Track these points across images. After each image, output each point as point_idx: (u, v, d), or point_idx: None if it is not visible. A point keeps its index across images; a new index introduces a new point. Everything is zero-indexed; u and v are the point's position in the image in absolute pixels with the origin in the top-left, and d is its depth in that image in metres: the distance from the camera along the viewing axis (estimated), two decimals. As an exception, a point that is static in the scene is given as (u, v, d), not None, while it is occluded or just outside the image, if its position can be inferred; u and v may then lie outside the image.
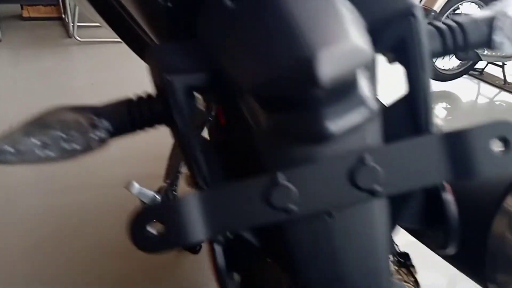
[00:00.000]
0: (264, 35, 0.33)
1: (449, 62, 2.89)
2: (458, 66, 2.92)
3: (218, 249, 0.40)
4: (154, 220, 0.33)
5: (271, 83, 0.32)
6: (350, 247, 0.37)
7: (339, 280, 0.37)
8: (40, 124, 0.37)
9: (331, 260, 0.37)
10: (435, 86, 2.90)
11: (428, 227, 0.46)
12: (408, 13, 0.38)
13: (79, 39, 3.28)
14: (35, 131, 0.36)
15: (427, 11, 2.67)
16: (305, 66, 0.29)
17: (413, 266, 0.75)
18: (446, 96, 2.92)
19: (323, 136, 0.32)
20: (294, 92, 0.32)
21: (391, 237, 0.42)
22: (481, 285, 0.57)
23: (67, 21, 3.53)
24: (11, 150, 0.36)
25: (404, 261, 0.76)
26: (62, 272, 1.32)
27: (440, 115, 2.69)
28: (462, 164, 0.34)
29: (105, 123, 0.38)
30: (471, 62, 2.90)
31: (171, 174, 1.07)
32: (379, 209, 0.37)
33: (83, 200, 1.62)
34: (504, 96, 2.94)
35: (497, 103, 2.94)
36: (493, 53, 2.76)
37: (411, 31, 0.38)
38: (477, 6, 2.81)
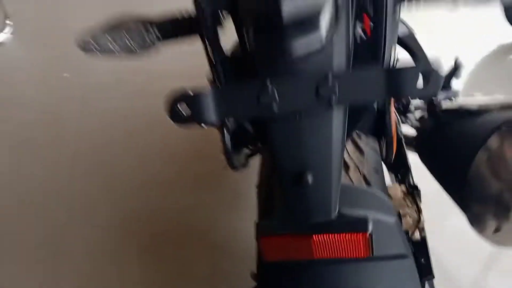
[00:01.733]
0: None
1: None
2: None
3: (226, 132, 0.56)
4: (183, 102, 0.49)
5: (252, 10, 0.45)
6: (311, 143, 0.49)
7: (302, 164, 0.50)
8: (112, 25, 0.55)
9: (297, 149, 0.50)
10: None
11: (377, 137, 0.66)
12: None
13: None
14: (109, 30, 0.54)
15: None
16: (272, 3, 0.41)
17: (419, 197, 0.84)
18: None
19: (287, 53, 0.43)
20: (267, 21, 0.44)
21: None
22: (461, 210, 0.66)
23: None
24: (92, 42, 0.54)
25: (412, 191, 0.85)
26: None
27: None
28: (396, 89, 0.46)
29: (156, 30, 0.55)
30: None
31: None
32: (337, 119, 0.50)
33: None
34: None
35: None
36: None
37: None
38: None
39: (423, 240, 0.74)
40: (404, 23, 0.90)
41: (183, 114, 0.47)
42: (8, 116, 1.79)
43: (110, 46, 0.53)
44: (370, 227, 0.52)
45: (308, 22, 0.42)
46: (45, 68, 2.06)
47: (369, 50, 0.55)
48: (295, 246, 0.55)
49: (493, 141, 0.62)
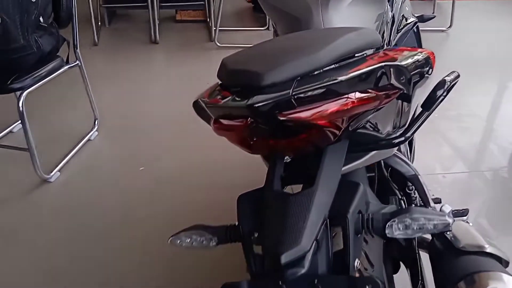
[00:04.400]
0: None
1: None
2: None
3: None
4: None
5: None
6: None
7: None
8: (190, 232, 0.81)
9: None
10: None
11: None
12: None
13: (218, 44, 3.85)
14: (190, 235, 0.80)
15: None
16: None
17: None
18: None
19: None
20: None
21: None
22: None
23: (210, 25, 4.13)
24: (179, 240, 0.81)
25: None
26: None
27: None
28: None
29: (214, 238, 0.80)
30: None
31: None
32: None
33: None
34: None
35: None
36: None
37: None
38: None
39: None
40: (409, 165, 1.13)
41: None
42: (91, 208, 2.11)
43: (189, 243, 0.81)
44: None
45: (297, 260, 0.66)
46: (125, 162, 2.42)
47: (342, 260, 0.73)
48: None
49: (462, 286, 0.82)
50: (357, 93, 0.68)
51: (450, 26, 4.09)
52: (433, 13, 4.07)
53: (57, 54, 2.27)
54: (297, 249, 0.65)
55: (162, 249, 1.81)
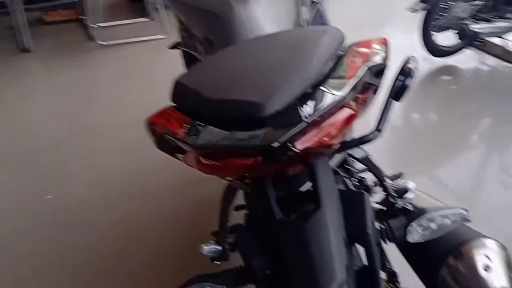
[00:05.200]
0: None
1: (449, 39, 3.07)
2: (458, 43, 3.09)
3: None
4: None
5: None
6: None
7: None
8: (194, 286, 0.70)
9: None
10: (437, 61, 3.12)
11: None
12: None
13: (102, 43, 3.52)
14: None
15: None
16: None
17: (398, 283, 1.04)
18: (449, 69, 3.12)
19: None
20: None
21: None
22: None
23: (86, 23, 3.76)
24: None
25: (391, 278, 1.05)
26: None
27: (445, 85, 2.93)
28: None
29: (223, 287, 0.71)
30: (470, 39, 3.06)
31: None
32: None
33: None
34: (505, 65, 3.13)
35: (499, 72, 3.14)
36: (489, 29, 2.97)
37: None
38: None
39: None
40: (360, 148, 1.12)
41: None
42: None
43: None
44: None
45: None
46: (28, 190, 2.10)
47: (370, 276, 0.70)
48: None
49: (451, 261, 0.83)
50: (351, 101, 0.62)
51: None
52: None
53: None
54: (336, 284, 0.58)
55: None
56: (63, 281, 1.64)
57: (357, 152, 1.09)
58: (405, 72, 0.76)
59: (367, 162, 1.10)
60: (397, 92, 0.76)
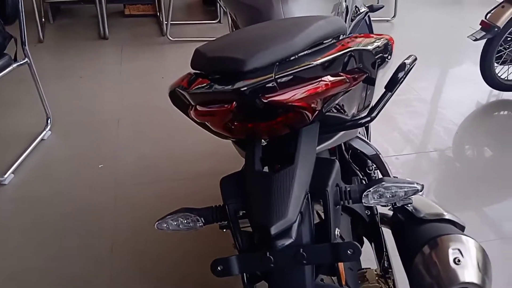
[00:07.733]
0: None
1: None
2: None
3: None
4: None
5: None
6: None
7: None
8: (176, 215, 0.84)
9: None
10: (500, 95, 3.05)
11: None
12: None
13: (170, 38, 3.81)
14: (174, 218, 0.83)
15: (490, 26, 2.79)
16: None
17: (391, 280, 1.11)
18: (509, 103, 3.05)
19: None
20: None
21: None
22: None
23: (161, 19, 4.08)
24: (164, 224, 0.84)
25: (384, 274, 1.12)
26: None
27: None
28: (339, 256, 0.76)
29: (201, 220, 0.83)
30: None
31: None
32: (308, 268, 0.78)
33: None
34: None
35: None
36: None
37: None
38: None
39: None
40: (371, 146, 1.21)
41: (219, 269, 0.76)
42: (49, 207, 2.06)
43: (175, 226, 0.84)
44: None
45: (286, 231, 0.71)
46: (83, 160, 2.36)
47: (324, 230, 0.80)
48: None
49: (426, 249, 0.90)
50: (330, 76, 0.73)
51: (394, 16, 4.30)
52: (377, 2, 4.23)
53: (4, 52, 2.18)
54: (284, 220, 0.69)
55: (128, 246, 1.82)
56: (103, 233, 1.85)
57: (367, 149, 1.18)
58: (401, 67, 0.87)
59: (376, 160, 1.19)
60: (391, 84, 0.87)
